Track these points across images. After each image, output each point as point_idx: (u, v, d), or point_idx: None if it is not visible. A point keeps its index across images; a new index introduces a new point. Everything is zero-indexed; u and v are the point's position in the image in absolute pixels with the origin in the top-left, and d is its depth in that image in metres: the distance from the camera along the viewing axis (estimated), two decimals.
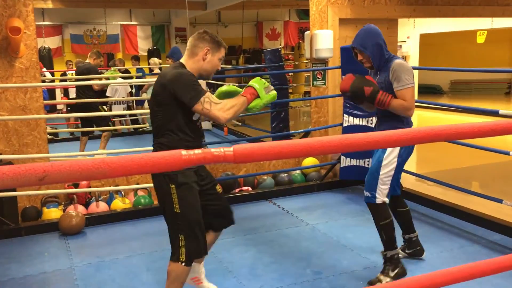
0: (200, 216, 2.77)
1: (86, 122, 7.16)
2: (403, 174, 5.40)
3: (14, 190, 4.50)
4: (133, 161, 0.82)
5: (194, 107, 2.62)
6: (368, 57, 3.31)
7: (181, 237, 2.71)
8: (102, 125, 7.14)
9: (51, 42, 13.52)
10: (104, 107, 7.59)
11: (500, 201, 4.10)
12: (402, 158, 3.31)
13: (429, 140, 1.09)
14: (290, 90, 12.42)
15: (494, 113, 4.19)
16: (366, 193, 3.33)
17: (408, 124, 3.38)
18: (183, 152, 0.89)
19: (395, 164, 3.26)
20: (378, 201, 3.28)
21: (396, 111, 3.23)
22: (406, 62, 3.40)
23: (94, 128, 7.29)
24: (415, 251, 3.71)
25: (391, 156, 3.26)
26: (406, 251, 3.74)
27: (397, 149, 3.22)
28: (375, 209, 3.32)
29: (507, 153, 4.22)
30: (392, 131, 1.07)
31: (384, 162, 3.26)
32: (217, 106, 2.62)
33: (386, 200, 3.30)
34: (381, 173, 3.26)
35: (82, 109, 6.85)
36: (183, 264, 2.73)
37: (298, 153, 0.96)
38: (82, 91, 7.02)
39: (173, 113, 2.69)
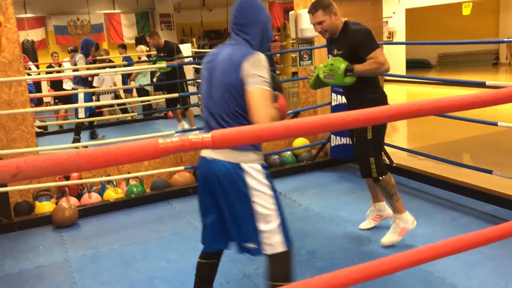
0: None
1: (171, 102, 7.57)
2: (394, 150, 5.44)
3: (5, 186, 4.47)
4: (109, 152, 0.81)
5: None
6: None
7: (372, 159, 3.43)
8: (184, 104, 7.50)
9: (35, 35, 13.32)
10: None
11: (490, 172, 4.13)
12: (277, 195, 2.34)
13: (411, 115, 1.09)
14: (278, 72, 12.36)
15: (481, 85, 4.19)
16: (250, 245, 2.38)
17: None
18: (160, 140, 0.88)
19: (275, 207, 2.30)
20: (274, 250, 2.29)
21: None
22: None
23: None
24: None
25: (264, 198, 2.26)
26: None
27: (267, 185, 2.25)
28: (279, 261, 2.36)
29: (495, 124, 4.23)
30: (372, 108, 1.07)
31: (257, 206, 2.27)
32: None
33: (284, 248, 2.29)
34: (256, 221, 2.29)
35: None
36: (379, 176, 3.46)
37: (277, 135, 0.95)
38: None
39: None
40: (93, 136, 8.03)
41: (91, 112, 7.92)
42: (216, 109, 2.28)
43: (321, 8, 3.34)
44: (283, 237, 2.26)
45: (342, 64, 3.27)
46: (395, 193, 3.51)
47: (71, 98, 9.38)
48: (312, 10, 3.38)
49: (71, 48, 10.51)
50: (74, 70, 7.65)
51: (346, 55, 3.35)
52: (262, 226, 2.22)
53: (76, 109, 7.65)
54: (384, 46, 6.36)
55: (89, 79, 8.46)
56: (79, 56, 7.55)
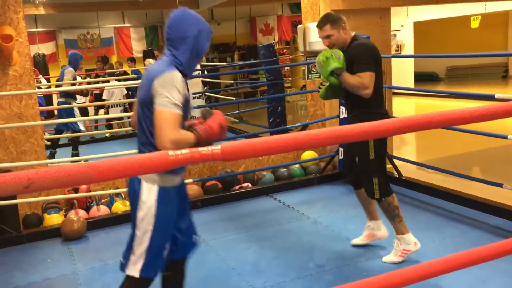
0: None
1: None
2: (402, 163, 5.43)
3: (15, 198, 4.50)
4: (120, 163, 0.81)
5: None
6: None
7: (375, 180, 3.38)
8: None
9: (46, 48, 13.47)
10: None
11: (500, 185, 4.10)
12: (162, 223, 2.23)
13: (420, 128, 1.08)
14: (289, 84, 12.41)
15: (491, 98, 4.18)
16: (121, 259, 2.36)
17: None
18: (170, 152, 0.89)
19: (150, 232, 2.23)
20: (129, 272, 2.28)
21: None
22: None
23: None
24: None
25: (145, 220, 2.22)
26: None
27: (153, 208, 2.20)
28: (128, 284, 2.33)
29: (505, 137, 4.21)
30: (381, 120, 1.07)
31: (137, 227, 2.26)
32: None
33: (137, 274, 2.27)
34: (133, 240, 2.28)
35: None
36: (382, 198, 3.41)
37: (286, 147, 0.95)
38: None
39: None
40: (52, 155, 7.55)
41: (75, 130, 7.77)
42: (137, 125, 2.26)
43: (329, 23, 3.35)
44: (142, 263, 2.23)
45: (335, 64, 3.27)
46: (397, 214, 3.44)
47: (81, 112, 9.43)
48: (320, 24, 3.39)
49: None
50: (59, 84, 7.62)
51: (348, 70, 3.34)
52: (134, 244, 2.26)
53: (75, 123, 7.53)
54: (393, 59, 6.38)
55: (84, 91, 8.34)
56: (68, 70, 7.55)
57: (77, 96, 8.63)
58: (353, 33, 3.45)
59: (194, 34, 2.19)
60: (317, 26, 3.43)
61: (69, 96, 7.49)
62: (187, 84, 2.21)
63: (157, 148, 2.09)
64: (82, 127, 7.61)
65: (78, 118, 7.48)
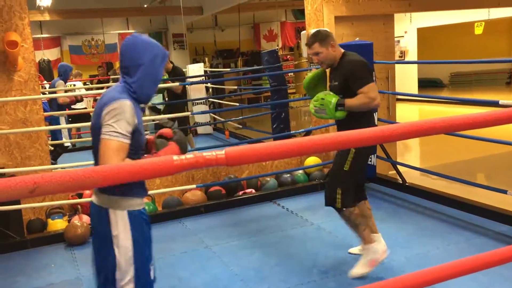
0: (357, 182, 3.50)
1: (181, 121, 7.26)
2: (406, 169, 5.41)
3: (19, 203, 4.51)
4: (124, 168, 0.82)
5: None
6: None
7: (339, 190, 3.36)
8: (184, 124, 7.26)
9: (51, 54, 13.54)
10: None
11: (505, 192, 4.08)
12: (141, 247, 2.19)
13: (423, 133, 1.09)
14: (293, 90, 12.44)
15: (494, 104, 4.18)
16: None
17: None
18: (175, 157, 0.89)
19: (132, 259, 2.17)
20: None
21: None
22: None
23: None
24: None
25: (123, 249, 2.15)
26: None
27: (129, 235, 2.16)
28: None
29: (510, 143, 4.20)
30: (384, 126, 1.07)
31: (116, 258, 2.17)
32: None
33: None
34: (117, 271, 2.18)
35: (174, 110, 6.98)
36: (342, 207, 3.40)
37: (289, 153, 0.96)
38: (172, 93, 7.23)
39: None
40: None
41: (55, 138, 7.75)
42: (93, 150, 2.20)
43: (317, 41, 3.35)
44: None
45: (333, 99, 3.25)
46: (361, 223, 3.42)
47: (83, 117, 9.45)
48: (309, 43, 3.39)
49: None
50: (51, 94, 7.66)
51: (341, 86, 3.34)
52: (117, 275, 2.18)
53: (58, 133, 7.55)
54: (396, 65, 6.39)
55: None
56: (58, 82, 7.57)
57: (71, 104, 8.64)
58: (342, 50, 3.45)
59: (149, 60, 2.15)
60: (306, 44, 3.44)
61: (61, 109, 7.53)
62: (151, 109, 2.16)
63: None
64: (64, 138, 7.63)
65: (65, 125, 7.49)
